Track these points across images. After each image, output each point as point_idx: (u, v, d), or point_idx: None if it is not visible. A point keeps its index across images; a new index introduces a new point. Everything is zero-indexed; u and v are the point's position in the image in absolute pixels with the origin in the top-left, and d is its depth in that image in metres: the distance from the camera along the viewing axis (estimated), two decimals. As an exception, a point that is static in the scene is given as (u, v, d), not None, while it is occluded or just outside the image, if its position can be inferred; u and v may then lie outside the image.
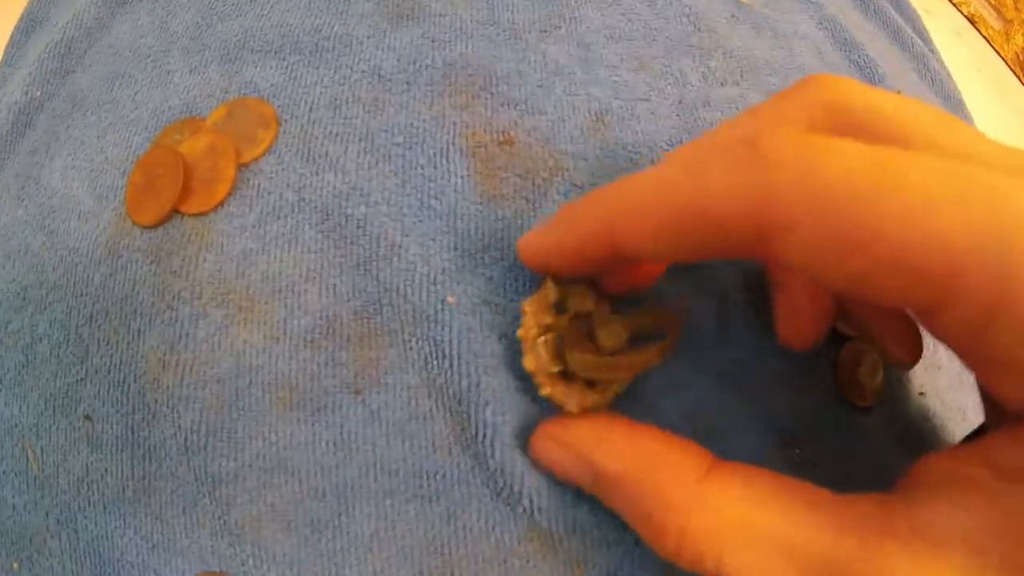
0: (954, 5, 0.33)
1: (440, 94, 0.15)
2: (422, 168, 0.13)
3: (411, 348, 0.12)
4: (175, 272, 0.14)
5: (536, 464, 0.11)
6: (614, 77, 0.16)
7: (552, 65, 0.16)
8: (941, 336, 0.09)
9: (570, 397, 0.11)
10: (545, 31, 0.16)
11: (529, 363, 0.12)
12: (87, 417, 0.14)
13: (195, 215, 0.14)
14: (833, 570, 0.09)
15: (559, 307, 0.12)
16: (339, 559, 0.12)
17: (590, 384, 0.12)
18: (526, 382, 0.12)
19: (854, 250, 0.08)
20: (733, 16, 0.20)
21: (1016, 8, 0.31)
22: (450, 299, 0.12)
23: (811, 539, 0.09)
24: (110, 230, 0.15)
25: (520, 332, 0.12)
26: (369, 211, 0.13)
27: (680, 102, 0.16)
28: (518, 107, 0.15)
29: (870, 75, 0.22)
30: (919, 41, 0.26)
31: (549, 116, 0.15)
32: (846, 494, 0.09)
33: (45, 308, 0.15)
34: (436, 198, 0.13)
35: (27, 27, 0.21)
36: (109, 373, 0.14)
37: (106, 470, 0.14)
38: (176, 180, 0.14)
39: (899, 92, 0.22)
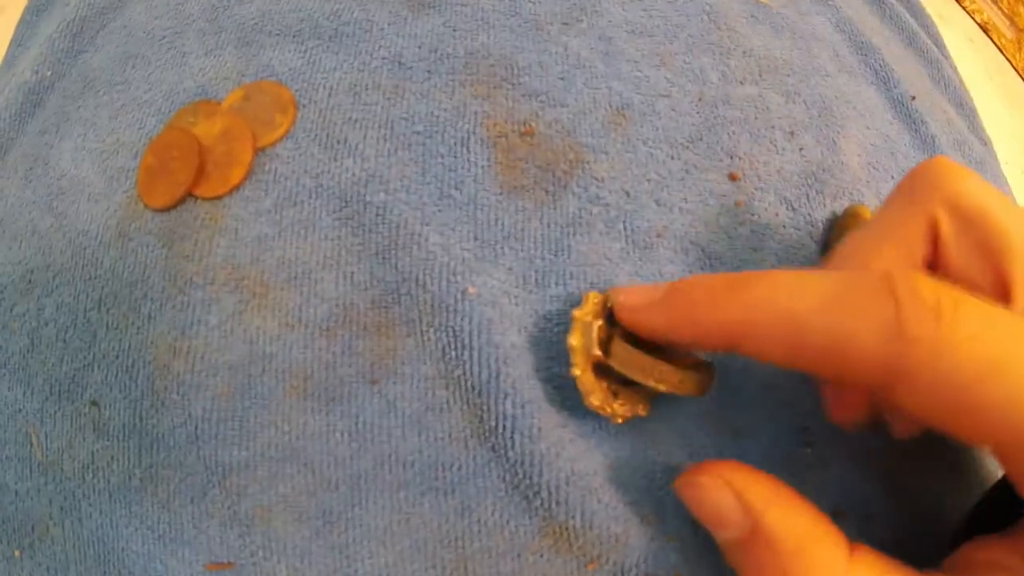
0: (967, 13, 0.33)
1: (461, 83, 0.15)
2: (442, 157, 0.13)
3: (429, 338, 0.12)
4: (187, 256, 0.13)
5: (679, 495, 0.11)
6: (635, 72, 0.16)
7: (573, 58, 0.15)
8: (1008, 468, 0.10)
9: (595, 392, 0.11)
10: (567, 23, 0.16)
11: (575, 339, 0.11)
12: (94, 403, 0.14)
13: (209, 199, 0.14)
14: None
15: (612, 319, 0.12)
16: (351, 551, 0.12)
17: (615, 395, 0.12)
18: (545, 374, 0.12)
19: (963, 416, 0.10)
20: (752, 16, 0.20)
21: None
22: (470, 289, 0.12)
23: None
24: (120, 212, 0.15)
25: (576, 312, 0.12)
26: (388, 199, 0.13)
27: (700, 99, 0.16)
28: (539, 98, 0.14)
29: (885, 79, 0.22)
30: (933, 47, 0.26)
31: (570, 108, 0.14)
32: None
33: (52, 291, 0.15)
34: (456, 188, 0.13)
35: (38, 6, 0.21)
36: (117, 358, 0.14)
37: (112, 457, 0.14)
38: (191, 163, 0.14)
39: (913, 98, 0.22)
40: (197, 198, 0.14)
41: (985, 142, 0.26)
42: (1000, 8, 0.31)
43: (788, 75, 0.19)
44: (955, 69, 0.27)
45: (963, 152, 0.23)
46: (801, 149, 0.17)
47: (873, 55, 0.22)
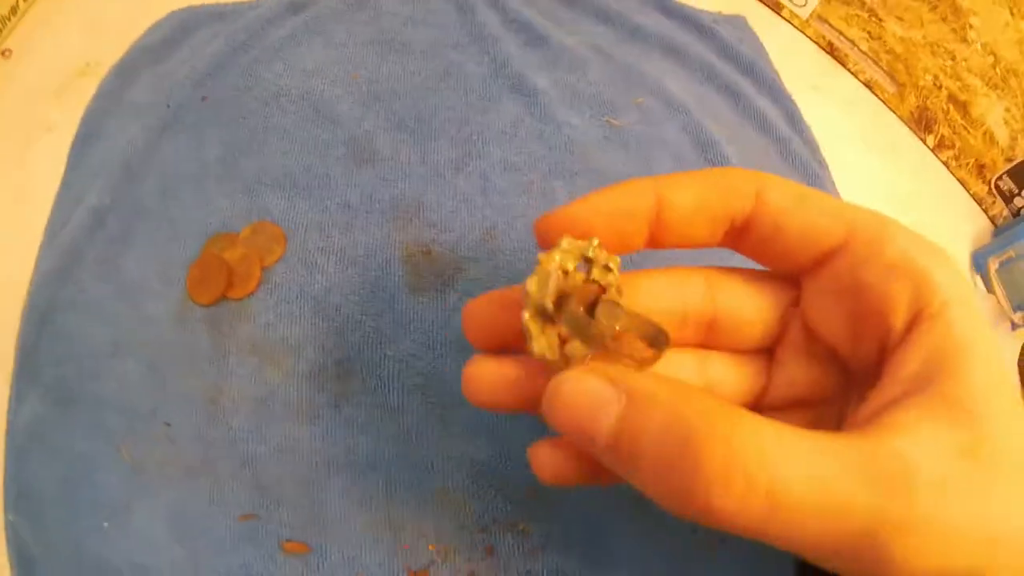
0: (852, 74, 0.46)
1: (387, 220, 0.28)
2: (375, 272, 0.27)
3: (367, 381, 0.26)
4: (224, 334, 0.27)
5: (550, 409, 0.15)
6: (504, 201, 0.30)
7: (460, 195, 0.29)
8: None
9: (538, 339, 0.15)
10: (458, 168, 0.30)
11: (531, 284, 0.15)
12: (167, 423, 0.28)
13: (236, 299, 0.27)
14: (879, 465, 0.13)
15: (584, 266, 0.16)
16: (324, 502, 0.25)
17: (563, 342, 0.15)
18: (437, 401, 0.26)
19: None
20: (605, 137, 0.34)
21: (908, 73, 0.45)
22: (389, 352, 0.26)
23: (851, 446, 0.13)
24: (177, 306, 0.28)
25: (541, 256, 0.15)
26: (342, 300, 0.27)
27: (547, 216, 0.30)
28: (436, 228, 0.28)
29: (722, 166, 0.36)
30: (784, 127, 0.40)
31: (455, 233, 0.28)
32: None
33: (133, 353, 0.29)
34: (383, 290, 0.27)
35: (84, 138, 0.35)
36: (182, 396, 0.28)
37: (179, 456, 0.27)
38: (222, 278, 0.27)
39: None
40: (228, 299, 0.27)
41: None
42: (880, 67, 0.46)
43: (625, 183, 0.33)
44: (807, 142, 0.40)
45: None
46: (624, 242, 0.31)
47: (713, 149, 0.36)
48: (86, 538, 0.28)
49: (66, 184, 0.34)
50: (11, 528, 0.29)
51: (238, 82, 0.33)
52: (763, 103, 0.40)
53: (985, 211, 0.44)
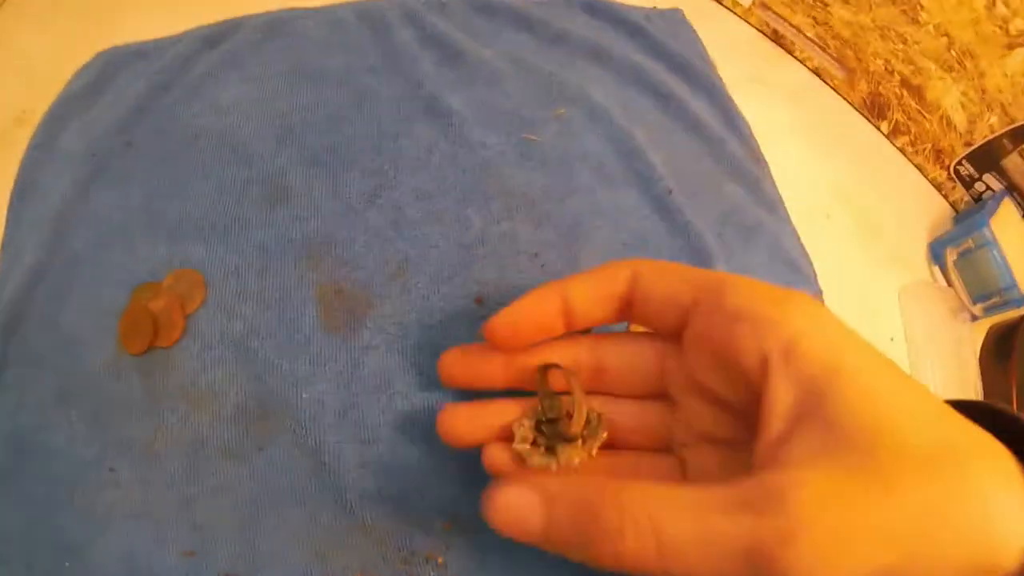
0: (799, 61, 0.48)
1: (302, 259, 0.31)
2: (290, 314, 0.30)
3: (285, 423, 0.29)
4: (155, 381, 0.31)
5: (488, 512, 0.20)
6: (415, 232, 0.33)
7: (372, 230, 0.32)
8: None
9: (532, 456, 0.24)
10: (370, 200, 0.33)
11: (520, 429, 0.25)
12: (111, 469, 0.32)
13: (163, 348, 0.31)
14: (749, 504, 0.16)
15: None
16: (257, 539, 0.29)
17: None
18: (350, 436, 0.29)
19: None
20: (521, 155, 0.36)
21: (857, 59, 0.46)
22: (304, 394, 0.29)
23: (725, 495, 0.17)
24: (111, 356, 0.32)
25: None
26: (260, 343, 0.30)
27: (461, 244, 0.33)
28: (348, 265, 0.31)
29: (648, 177, 0.38)
30: (718, 127, 0.41)
31: (367, 270, 0.31)
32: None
33: (77, 403, 0.33)
34: (298, 332, 0.30)
35: (20, 191, 0.38)
36: (121, 442, 0.31)
37: (124, 499, 0.31)
38: (149, 328, 0.31)
39: (671, 191, 0.38)
40: (157, 347, 0.31)
41: (769, 205, 0.41)
42: (828, 53, 0.47)
43: (545, 203, 0.35)
44: (745, 141, 0.42)
45: (730, 223, 0.39)
46: (543, 265, 0.33)
47: (638, 158, 0.38)
48: (50, 577, 0.32)
49: (7, 241, 0.37)
50: (-17, 569, 0.34)
51: (159, 125, 0.36)
52: (696, 103, 0.41)
53: (945, 196, 0.46)
